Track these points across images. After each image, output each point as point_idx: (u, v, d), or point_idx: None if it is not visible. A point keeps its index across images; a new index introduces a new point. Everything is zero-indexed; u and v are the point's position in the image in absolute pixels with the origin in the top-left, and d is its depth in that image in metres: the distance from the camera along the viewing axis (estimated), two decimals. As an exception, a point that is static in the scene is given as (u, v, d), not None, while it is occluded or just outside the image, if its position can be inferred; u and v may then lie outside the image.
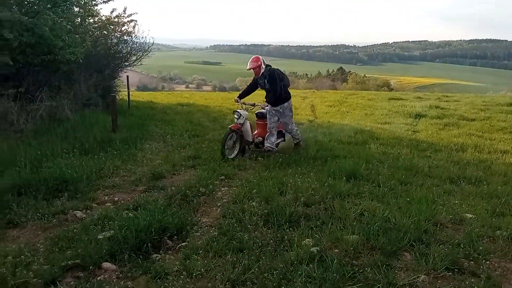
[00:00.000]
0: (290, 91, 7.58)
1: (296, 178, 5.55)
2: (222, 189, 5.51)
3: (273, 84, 7.08)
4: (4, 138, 7.32)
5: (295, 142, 7.84)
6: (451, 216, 4.44)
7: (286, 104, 7.30)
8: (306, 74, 70.92)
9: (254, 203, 4.67)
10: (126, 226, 3.84)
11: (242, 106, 7.54)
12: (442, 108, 14.27)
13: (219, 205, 4.89)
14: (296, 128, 7.80)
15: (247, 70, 7.40)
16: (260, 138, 7.64)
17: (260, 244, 3.69)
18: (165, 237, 3.87)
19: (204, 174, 5.84)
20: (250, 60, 7.24)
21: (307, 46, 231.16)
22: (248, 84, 7.72)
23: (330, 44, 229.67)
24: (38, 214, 4.43)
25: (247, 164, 6.88)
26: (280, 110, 7.30)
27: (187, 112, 13.84)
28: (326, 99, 18.60)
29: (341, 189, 5.08)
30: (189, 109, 14.87)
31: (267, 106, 7.43)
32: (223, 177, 5.99)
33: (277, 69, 7.34)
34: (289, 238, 3.79)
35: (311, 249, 3.55)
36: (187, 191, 5.08)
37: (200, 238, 3.93)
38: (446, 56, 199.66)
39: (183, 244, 3.82)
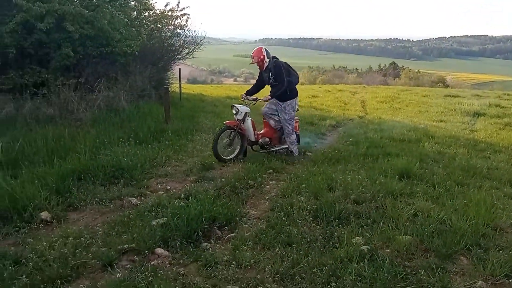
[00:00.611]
0: (340, 87, 7.34)
1: (346, 174, 5.46)
2: (270, 182, 5.54)
3: (279, 76, 6.44)
4: (66, 126, 7.75)
5: (289, 149, 6.84)
6: (511, 221, 4.20)
7: (290, 101, 6.67)
8: (356, 69, 69.25)
9: (302, 198, 4.65)
10: (178, 214, 3.96)
11: (245, 102, 6.84)
12: (503, 107, 13.47)
13: (267, 198, 4.92)
14: (294, 136, 6.81)
15: (249, 64, 6.97)
16: (267, 139, 6.84)
17: (308, 239, 3.68)
18: (215, 227, 3.95)
19: (252, 167, 5.89)
20: (252, 53, 6.67)
21: (358, 40, 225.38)
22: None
23: (382, 38, 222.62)
24: (96, 199, 4.67)
25: (295, 158, 6.85)
26: (283, 106, 6.66)
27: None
28: (377, 95, 18.09)
29: (393, 187, 4.93)
30: (237, 103, 14.97)
31: (269, 98, 6.56)
32: (271, 170, 6.02)
33: (285, 62, 6.74)
34: (338, 235, 3.75)
35: (361, 248, 3.49)
36: (236, 183, 5.15)
37: (249, 230, 3.97)
38: (508, 51, 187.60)
39: (232, 234, 3.88)
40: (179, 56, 14.84)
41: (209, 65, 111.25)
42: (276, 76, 6.49)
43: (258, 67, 6.75)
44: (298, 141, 7.07)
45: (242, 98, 6.85)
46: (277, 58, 6.71)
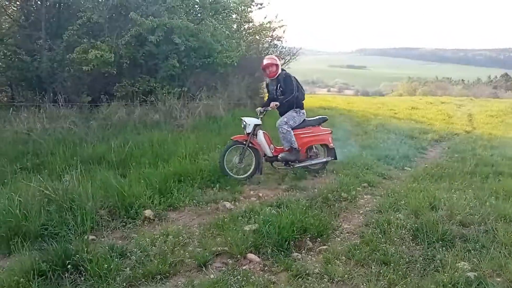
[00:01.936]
0: (443, 99, 6.74)
1: (451, 193, 5.03)
2: (365, 196, 5.33)
3: (288, 87, 6.03)
4: (169, 131, 8.32)
5: (286, 148, 6.14)
6: None
7: (295, 109, 6.19)
8: (462, 80, 64.08)
9: (400, 215, 4.38)
10: (270, 221, 3.97)
11: (258, 115, 6.29)
12: None
13: (361, 212, 4.73)
14: (292, 137, 6.09)
15: (261, 68, 6.32)
16: (287, 154, 6.13)
17: (407, 259, 3.43)
18: (307, 238, 3.89)
19: (346, 179, 5.72)
20: (266, 59, 6.25)
21: (464, 49, 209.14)
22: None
23: (492, 48, 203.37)
24: (194, 201, 4.89)
25: (392, 173, 6.53)
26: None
27: (329, 116, 13.67)
28: (487, 108, 16.57)
29: (506, 211, 4.41)
30: (331, 113, 14.76)
31: (276, 104, 5.98)
32: (365, 184, 5.80)
33: (294, 77, 6.29)
34: (441, 258, 3.44)
35: (467, 274, 3.15)
36: (329, 195, 5.04)
37: (341, 244, 3.83)
38: None
39: (323, 247, 3.78)
40: (275, 67, 15.09)
41: (303, 75, 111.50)
42: (285, 87, 6.06)
43: (267, 75, 6.28)
44: (335, 157, 6.51)
45: (258, 112, 6.34)
46: (286, 71, 6.30)
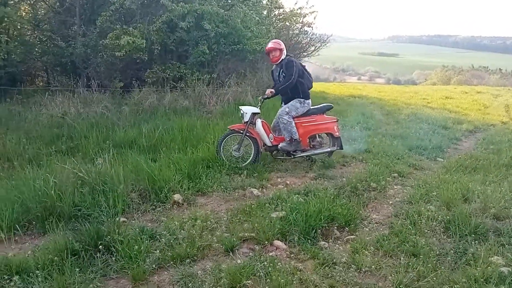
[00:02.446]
0: (479, 88, 6.43)
1: (485, 186, 4.87)
2: (395, 187, 5.22)
3: (289, 72, 5.71)
4: (198, 117, 8.39)
5: (286, 138, 5.85)
6: None
7: (299, 99, 5.90)
8: (500, 69, 61.43)
9: (432, 207, 4.27)
10: (297, 209, 3.97)
11: (259, 103, 6.15)
12: None
13: (391, 203, 4.65)
14: (293, 128, 5.82)
15: (266, 53, 6.09)
16: (288, 144, 5.89)
17: (437, 252, 3.36)
18: (334, 227, 3.86)
19: (375, 169, 5.63)
20: (270, 43, 5.96)
21: (503, 37, 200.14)
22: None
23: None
24: (221, 187, 4.93)
25: (424, 163, 6.37)
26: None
27: (359, 104, 13.52)
28: (526, 99, 15.81)
29: (544, 205, 4.24)
30: (361, 101, 14.53)
31: (271, 92, 5.77)
32: (396, 174, 5.69)
33: (300, 63, 6.02)
34: (473, 252, 3.34)
35: (501, 269, 3.06)
36: (358, 184, 4.97)
37: (369, 234, 3.79)
38: None
39: (351, 236, 3.75)
40: (305, 54, 14.95)
41: (333, 63, 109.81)
42: (286, 72, 5.76)
43: (271, 59, 5.98)
44: (341, 146, 6.24)
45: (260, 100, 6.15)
46: (292, 56, 6.05)
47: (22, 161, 5.31)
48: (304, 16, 14.23)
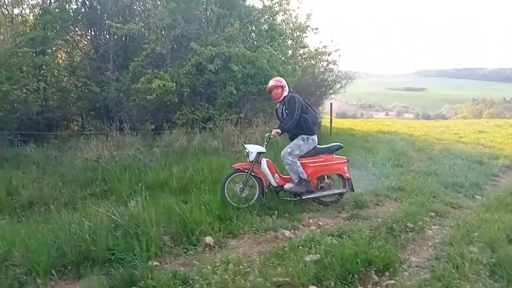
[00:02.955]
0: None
1: (532, 225, 4.60)
2: (433, 227, 5.02)
3: (291, 109, 5.65)
4: (227, 157, 8.45)
5: (295, 180, 5.68)
6: None
7: (303, 136, 5.77)
8: (533, 102, 59.74)
9: (474, 249, 4.05)
10: (332, 252, 3.85)
11: (265, 142, 6.03)
12: None
13: (430, 245, 4.46)
14: (299, 168, 5.66)
15: (267, 90, 6.05)
16: (294, 185, 5.68)
17: (485, 299, 3.16)
18: (372, 271, 3.70)
19: (411, 208, 5.45)
20: (271, 81, 5.95)
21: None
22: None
23: None
24: (253, 228, 4.87)
25: (461, 202, 6.13)
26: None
27: (389, 140, 13.35)
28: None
29: None
30: (390, 137, 14.34)
31: (277, 132, 5.69)
32: (433, 213, 5.48)
33: (304, 99, 5.95)
34: (524, 299, 3.13)
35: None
36: (394, 225, 4.80)
37: (410, 279, 3.61)
38: None
39: (390, 282, 3.58)
40: (331, 91, 15.03)
41: (359, 99, 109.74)
42: (289, 109, 5.68)
43: (273, 96, 5.94)
44: (352, 188, 6.00)
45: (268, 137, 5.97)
46: (294, 93, 5.93)
47: (58, 204, 5.44)
48: (329, 54, 14.40)
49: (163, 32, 10.64)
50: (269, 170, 5.77)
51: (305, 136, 5.75)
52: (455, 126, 18.95)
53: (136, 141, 8.74)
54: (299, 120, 5.69)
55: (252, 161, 5.68)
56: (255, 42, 11.79)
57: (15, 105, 9.51)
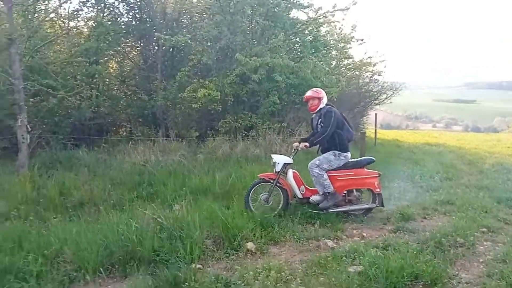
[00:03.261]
0: None
1: None
2: (485, 243, 4.77)
3: (326, 122, 5.46)
4: (269, 165, 8.42)
5: (320, 192, 5.53)
6: None
7: (335, 151, 5.56)
8: None
9: (531, 267, 3.81)
10: (376, 264, 3.75)
11: (293, 153, 5.95)
12: None
13: (482, 261, 4.23)
14: (325, 181, 5.48)
15: (304, 101, 5.91)
16: (320, 197, 5.55)
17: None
18: (419, 286, 3.57)
19: (461, 223, 5.20)
20: (311, 90, 5.82)
21: None
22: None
23: None
24: (294, 237, 4.84)
25: (517, 217, 5.79)
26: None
27: (437, 153, 12.90)
28: None
29: None
30: (438, 150, 13.85)
31: (306, 146, 5.59)
32: (485, 229, 5.21)
33: (342, 113, 5.75)
34: None
35: None
36: (442, 239, 4.60)
37: (459, 296, 3.45)
38: None
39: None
40: (376, 102, 14.76)
41: (405, 110, 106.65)
42: (324, 122, 5.50)
43: (309, 108, 5.78)
44: (382, 204, 5.76)
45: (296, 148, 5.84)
46: (333, 106, 5.73)
47: (107, 206, 5.65)
48: (374, 65, 14.19)
49: (209, 44, 10.92)
50: (295, 181, 5.67)
51: (337, 152, 5.57)
52: (507, 140, 18.02)
53: (181, 147, 8.97)
54: (333, 136, 5.52)
55: (278, 172, 5.62)
56: (299, 53, 11.83)
57: (69, 111, 10.05)
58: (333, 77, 11.71)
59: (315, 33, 11.39)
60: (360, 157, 8.94)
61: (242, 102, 11.07)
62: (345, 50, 13.40)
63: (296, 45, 12.07)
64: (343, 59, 13.98)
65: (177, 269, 3.70)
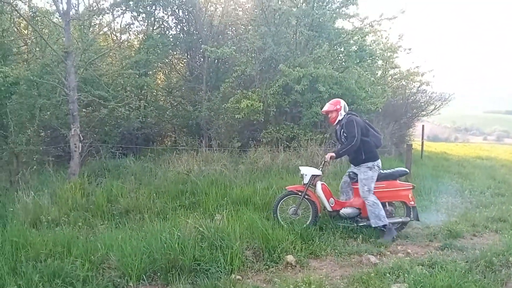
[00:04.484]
0: None
1: None
2: (541, 264, 4.45)
3: (350, 132, 5.31)
4: (311, 177, 8.40)
5: (372, 224, 5.30)
6: None
7: (368, 164, 5.36)
8: None
9: None
10: (422, 282, 3.62)
11: (321, 165, 5.85)
12: None
13: (537, 283, 3.96)
14: (380, 211, 5.25)
15: (322, 113, 5.82)
16: (353, 210, 5.49)
17: None
18: (467, 307, 3.40)
19: (515, 242, 4.90)
20: (328, 102, 5.66)
21: None
22: None
23: None
24: (335, 251, 4.76)
25: None
26: (358, 168, 5.45)
27: (488, 167, 12.26)
28: None
29: None
30: (490, 164, 13.17)
31: (332, 156, 5.46)
32: (541, 249, 4.86)
33: (365, 120, 5.59)
34: None
35: None
36: (493, 258, 4.35)
37: (512, 320, 3.24)
38: None
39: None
40: (423, 113, 14.30)
41: (453, 122, 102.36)
42: (348, 132, 5.35)
43: (329, 121, 5.71)
44: (416, 217, 5.51)
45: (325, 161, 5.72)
46: (355, 115, 5.56)
47: (151, 214, 5.83)
48: (422, 75, 13.76)
49: (253, 55, 11.04)
50: (324, 193, 5.57)
51: (370, 164, 5.40)
52: None
53: (223, 157, 9.08)
54: (359, 144, 5.38)
55: (307, 184, 5.54)
56: (343, 63, 11.69)
57: (118, 121, 10.47)
58: (379, 87, 11.47)
59: (360, 42, 11.21)
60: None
61: (284, 112, 11.08)
62: (391, 60, 13.13)
63: (341, 55, 11.94)
64: (389, 69, 13.68)
65: (217, 279, 3.75)
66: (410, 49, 13.17)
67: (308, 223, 5.45)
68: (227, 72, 11.60)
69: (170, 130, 13.11)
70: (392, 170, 5.79)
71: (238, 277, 3.96)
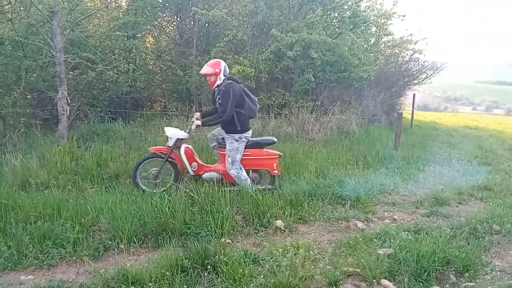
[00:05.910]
0: None
1: None
2: (523, 231, 4.59)
3: (224, 103, 5.08)
4: (301, 144, 8.43)
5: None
6: None
7: (235, 135, 5.26)
8: None
9: None
10: (407, 248, 3.70)
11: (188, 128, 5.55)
12: None
13: (518, 250, 4.09)
14: (242, 174, 5.27)
15: (201, 74, 5.49)
16: (214, 174, 5.35)
17: None
18: (450, 271, 3.50)
19: (498, 210, 5.03)
20: (207, 63, 5.31)
21: None
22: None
23: None
24: (324, 216, 4.84)
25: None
26: (227, 136, 5.33)
27: (476, 137, 12.43)
28: None
29: None
30: (478, 133, 13.35)
31: (197, 125, 5.28)
32: (524, 217, 5.00)
33: (243, 87, 5.33)
34: None
35: None
36: (477, 226, 4.47)
37: (492, 283, 3.36)
38: None
39: (470, 284, 3.36)
40: (415, 81, 14.27)
41: (444, 91, 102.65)
42: (221, 103, 5.14)
43: (208, 81, 5.38)
44: (279, 186, 5.50)
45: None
46: (236, 81, 5.28)
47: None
48: (415, 43, 13.61)
49: (245, 19, 10.76)
50: (187, 157, 5.36)
51: (237, 136, 5.26)
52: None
53: (214, 124, 9.02)
54: (232, 115, 5.18)
55: (171, 147, 5.38)
56: (336, 29, 11.50)
57: (107, 84, 10.26)
58: (372, 54, 11.36)
59: (354, 8, 10.99)
60: (395, 139, 8.78)
61: (276, 79, 10.97)
62: (385, 27, 12.91)
63: (334, 20, 11.72)
64: (382, 36, 13.48)
65: (207, 242, 3.80)
66: (404, 16, 12.97)
67: (168, 184, 5.33)
68: (218, 37, 11.32)
69: (160, 95, 12.91)
70: (260, 138, 5.72)
71: (228, 240, 4.02)
